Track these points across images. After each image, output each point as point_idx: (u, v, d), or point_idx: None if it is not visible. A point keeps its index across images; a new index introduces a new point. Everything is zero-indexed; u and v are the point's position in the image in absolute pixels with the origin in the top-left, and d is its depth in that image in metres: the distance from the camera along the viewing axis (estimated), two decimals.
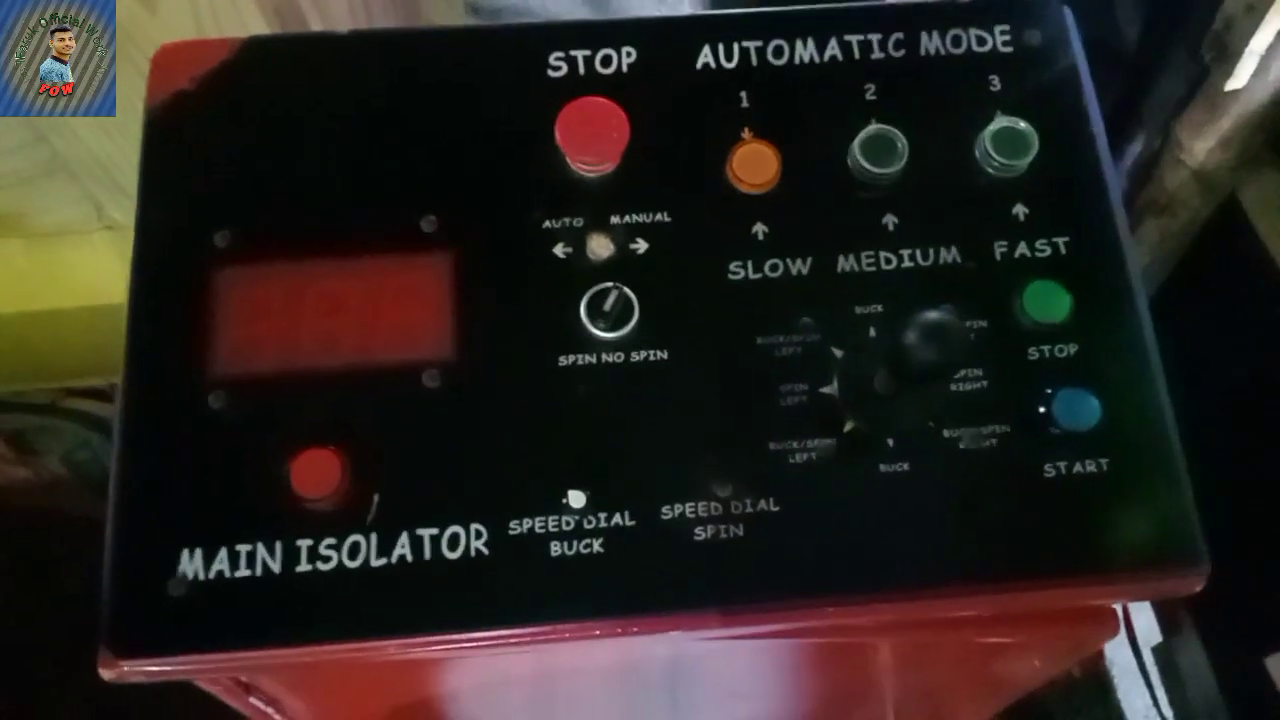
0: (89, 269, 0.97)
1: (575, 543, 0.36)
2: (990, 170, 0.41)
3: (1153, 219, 0.76)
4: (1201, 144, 0.68)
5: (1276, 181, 0.69)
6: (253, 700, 0.44)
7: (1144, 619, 0.97)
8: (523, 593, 0.36)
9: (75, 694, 1.00)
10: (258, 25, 0.73)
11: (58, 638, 0.96)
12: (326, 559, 0.35)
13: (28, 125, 0.82)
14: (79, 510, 1.14)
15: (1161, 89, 0.72)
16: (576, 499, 0.36)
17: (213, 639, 0.35)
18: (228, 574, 0.35)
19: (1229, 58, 0.62)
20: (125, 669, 0.35)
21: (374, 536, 0.36)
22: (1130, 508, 0.37)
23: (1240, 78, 0.62)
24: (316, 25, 0.78)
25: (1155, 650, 0.93)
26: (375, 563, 0.36)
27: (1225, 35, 0.62)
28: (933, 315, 0.32)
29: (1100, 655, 1.06)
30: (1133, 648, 0.87)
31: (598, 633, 0.36)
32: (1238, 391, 0.78)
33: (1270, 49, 0.60)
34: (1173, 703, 0.93)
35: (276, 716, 0.46)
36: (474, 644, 0.35)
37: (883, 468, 0.37)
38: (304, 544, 0.36)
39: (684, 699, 0.52)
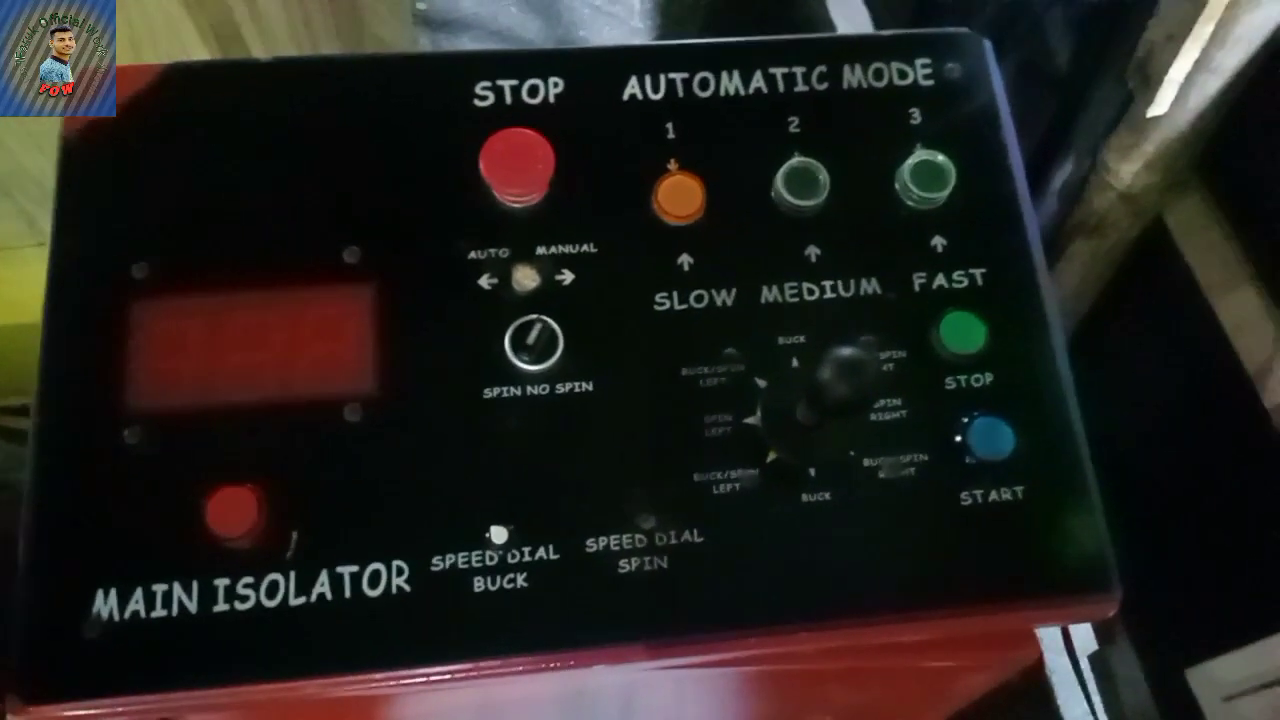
0: (19, 285, 0.94)
1: (499, 578, 0.36)
2: (910, 203, 0.42)
3: (1083, 239, 0.78)
4: (1128, 167, 0.70)
5: (1199, 204, 0.72)
6: None
7: (1081, 628, 0.99)
8: (446, 630, 0.35)
9: None
10: (196, 47, 0.72)
11: None
12: (244, 598, 0.35)
13: None
14: (11, 530, 1.11)
15: (1091, 114, 0.74)
16: (499, 535, 0.36)
17: (128, 682, 0.34)
18: (143, 614, 0.35)
19: (1151, 84, 0.64)
20: (36, 717, 0.34)
21: (293, 575, 0.35)
22: (1044, 536, 0.38)
23: (1162, 104, 0.64)
24: (256, 46, 0.77)
25: (1091, 659, 0.95)
26: (294, 601, 0.35)
27: (1147, 63, 0.64)
28: (846, 352, 0.33)
29: (1040, 664, 1.08)
30: (1070, 657, 0.89)
31: (522, 669, 0.35)
32: (1166, 408, 0.80)
33: (1188, 77, 0.62)
34: (1109, 709, 0.95)
35: None
36: (396, 683, 0.35)
37: (805, 497, 0.38)
38: (221, 583, 0.35)
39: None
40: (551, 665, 0.36)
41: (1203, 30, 0.59)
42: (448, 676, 0.35)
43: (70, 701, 0.34)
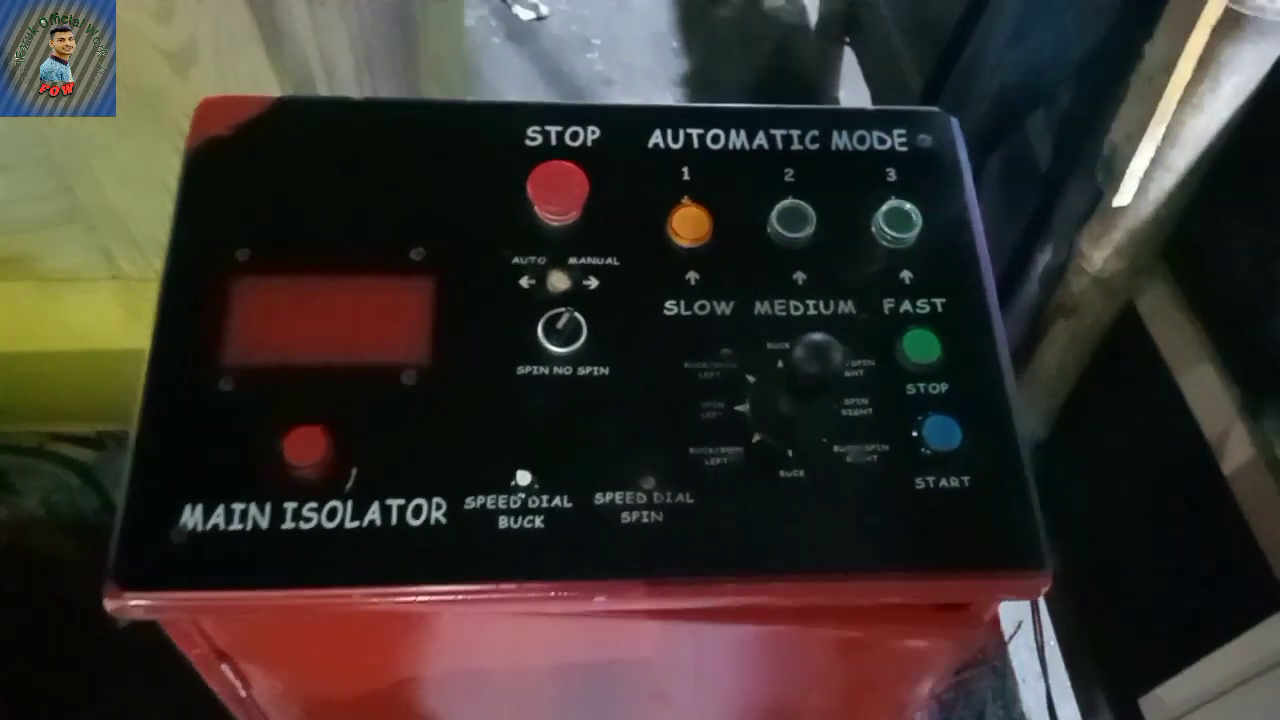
0: (91, 315, 1.03)
1: (520, 519, 0.43)
2: (884, 242, 0.50)
3: (1062, 320, 0.86)
4: (1099, 253, 0.78)
5: (1165, 290, 0.79)
6: (224, 670, 0.49)
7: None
8: (473, 558, 0.42)
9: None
10: (275, 92, 0.82)
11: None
12: (308, 520, 0.42)
13: (55, 175, 0.89)
14: (47, 550, 1.17)
15: (1068, 206, 0.82)
16: (523, 477, 0.43)
17: (203, 580, 0.41)
18: (222, 527, 0.41)
19: (1115, 179, 0.72)
20: (127, 601, 0.41)
21: (350, 503, 0.42)
22: (986, 519, 0.44)
23: (1126, 196, 0.73)
24: (325, 91, 0.86)
25: None
26: (349, 525, 0.42)
27: (1112, 160, 0.72)
28: (815, 337, 0.40)
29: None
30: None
31: (534, 595, 0.42)
32: (1139, 475, 0.86)
33: (1147, 173, 0.71)
34: None
35: (243, 692, 0.51)
36: (426, 598, 0.41)
37: (783, 474, 0.45)
38: (289, 506, 0.42)
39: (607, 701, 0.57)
40: (560, 594, 0.42)
41: (1156, 131, 0.68)
42: (470, 596, 0.42)
43: (154, 591, 0.41)
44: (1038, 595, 0.44)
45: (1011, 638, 1.18)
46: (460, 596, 0.42)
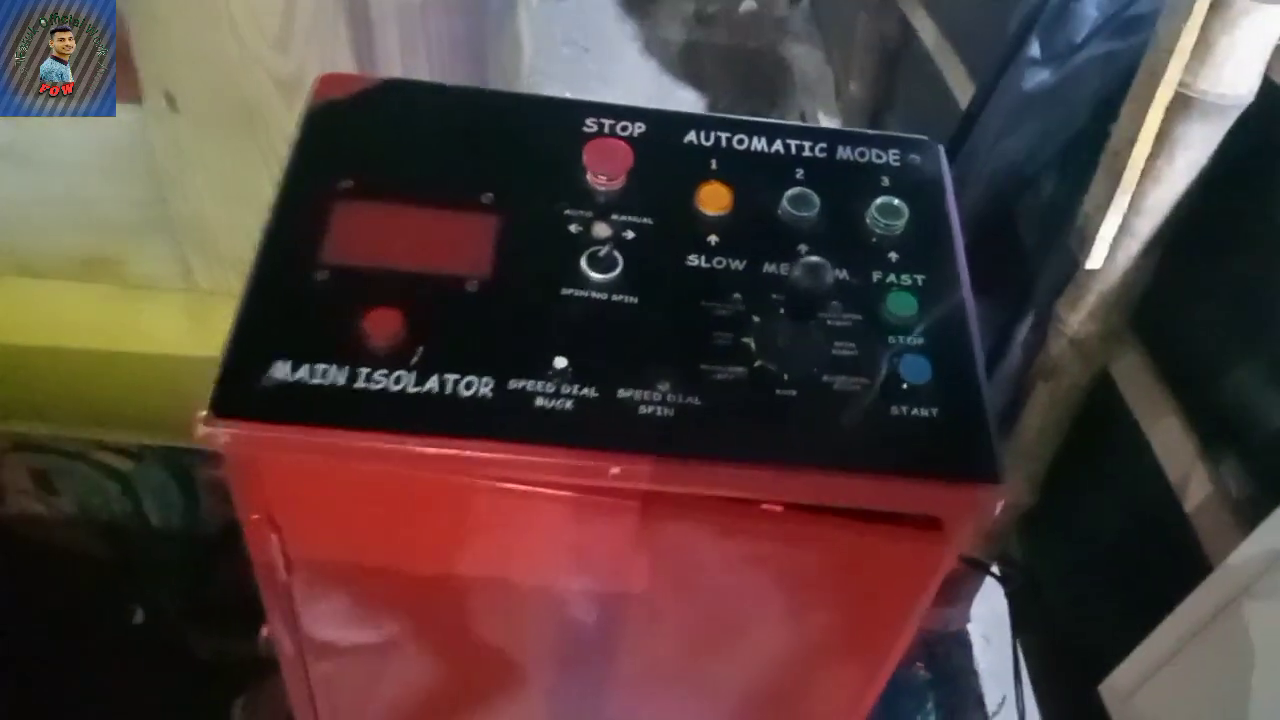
0: (160, 323, 1.12)
1: (553, 400, 0.50)
2: (876, 229, 0.59)
3: (1042, 383, 0.94)
4: (1074, 316, 0.86)
5: (1135, 354, 0.88)
6: (273, 543, 0.56)
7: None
8: (510, 425, 0.49)
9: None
10: None
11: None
12: (377, 383, 0.50)
13: (154, 183, 1.01)
14: (79, 548, 1.22)
15: (1048, 279, 0.92)
16: (559, 362, 0.51)
17: (284, 417, 0.49)
18: (305, 380, 0.49)
19: (1086, 245, 0.82)
20: (219, 429, 0.48)
21: (414, 374, 0.50)
22: (951, 440, 0.52)
23: (1097, 260, 0.82)
24: None
25: None
26: (410, 390, 0.50)
27: (1084, 227, 0.82)
28: (811, 258, 0.49)
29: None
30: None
31: (558, 460, 0.49)
32: (1114, 531, 0.91)
33: (1115, 239, 0.81)
34: None
35: (283, 574, 0.57)
36: (470, 452, 0.49)
37: (778, 392, 0.52)
38: (363, 370, 0.50)
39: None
40: (581, 462, 0.49)
41: (1121, 200, 0.78)
42: (503, 454, 0.49)
43: (241, 421, 0.48)
44: (994, 508, 0.51)
45: (996, 713, 1.19)
46: (495, 454, 0.49)
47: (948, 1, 1.45)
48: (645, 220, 0.58)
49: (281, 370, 0.50)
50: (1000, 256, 1.01)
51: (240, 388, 0.49)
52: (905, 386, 0.53)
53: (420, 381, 0.50)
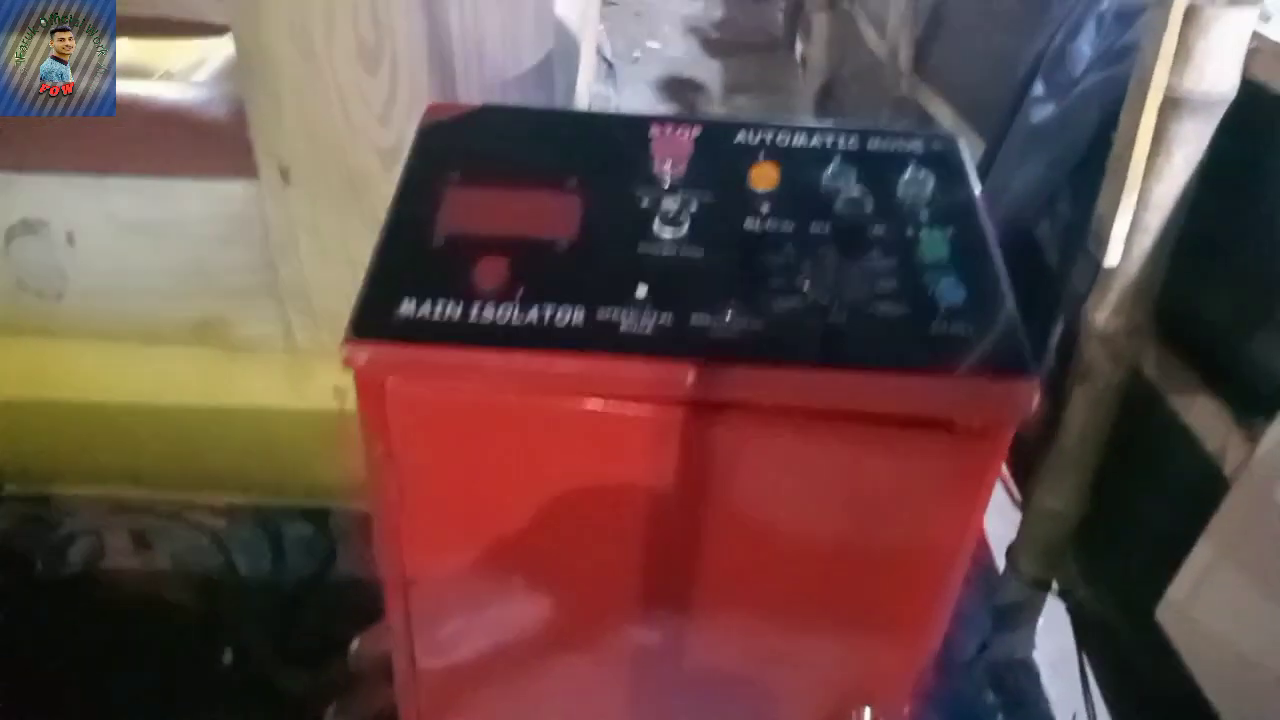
0: (260, 384, 1.23)
1: (636, 325, 0.59)
2: (907, 196, 0.68)
3: (1079, 388, 1.00)
4: (1100, 315, 0.93)
5: (1164, 351, 0.94)
6: (389, 470, 0.64)
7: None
8: (599, 341, 0.58)
9: None
10: None
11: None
12: (487, 315, 0.59)
13: (267, 250, 1.13)
14: (174, 599, 1.30)
15: (1073, 286, 0.99)
16: (640, 291, 0.60)
17: (411, 338, 0.58)
18: (427, 314, 0.59)
19: (1103, 244, 0.90)
20: (358, 350, 0.57)
21: (516, 307, 0.59)
22: (987, 348, 0.59)
23: (1114, 257, 0.90)
24: None
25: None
26: (514, 320, 0.59)
27: (1100, 228, 0.91)
28: (853, 192, 0.58)
29: None
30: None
31: (641, 370, 0.57)
32: (1177, 543, 0.95)
33: (1128, 236, 0.89)
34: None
35: (396, 494, 0.65)
36: (564, 365, 0.57)
37: (831, 319, 0.61)
38: (475, 305, 0.59)
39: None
40: (660, 372, 0.57)
41: (1130, 198, 0.87)
42: (594, 364, 0.57)
43: (379, 343, 0.58)
44: (1030, 399, 0.57)
45: None
46: (587, 366, 0.57)
47: (960, 87, 1.59)
48: (706, 195, 0.68)
49: (408, 307, 0.59)
50: (1025, 277, 1.09)
51: (374, 319, 0.59)
52: (942, 308, 0.61)
53: (522, 313, 0.59)
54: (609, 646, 0.72)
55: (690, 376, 0.58)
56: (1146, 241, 0.89)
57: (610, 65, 2.46)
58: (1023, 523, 1.18)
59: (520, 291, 0.60)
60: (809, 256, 0.64)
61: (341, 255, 1.14)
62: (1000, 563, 1.25)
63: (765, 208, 0.67)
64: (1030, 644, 1.30)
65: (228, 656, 1.23)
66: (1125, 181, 0.87)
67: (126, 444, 1.32)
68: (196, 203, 1.11)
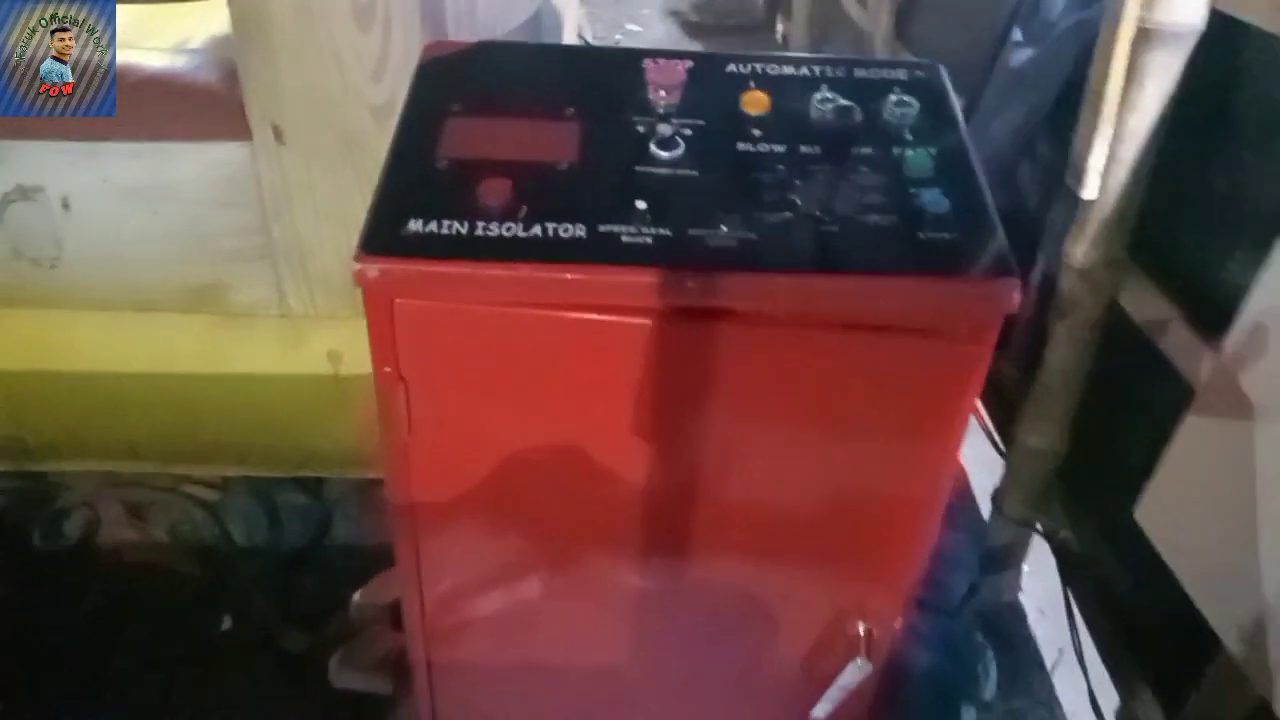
0: (255, 350, 1.24)
1: (636, 237, 0.61)
2: (893, 120, 0.71)
3: (1060, 324, 1.03)
4: (1078, 248, 0.96)
5: (1140, 281, 0.97)
6: (400, 397, 0.65)
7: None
8: (602, 253, 0.60)
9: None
10: None
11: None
12: (492, 231, 0.61)
13: (260, 213, 1.14)
14: (174, 568, 1.30)
15: (1053, 227, 1.02)
16: (640, 204, 0.62)
17: (419, 254, 0.60)
18: (435, 231, 0.61)
19: (1081, 177, 0.93)
20: (368, 264, 0.59)
21: (520, 224, 0.61)
22: (972, 252, 0.61)
23: (1092, 189, 0.93)
24: None
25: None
26: (519, 235, 0.61)
27: (1078, 161, 0.94)
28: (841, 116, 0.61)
29: None
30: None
31: (644, 277, 0.59)
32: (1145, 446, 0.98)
33: (1105, 168, 0.92)
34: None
35: (407, 430, 0.67)
36: (570, 274, 0.59)
37: (822, 228, 0.63)
38: (480, 223, 0.61)
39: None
40: (663, 279, 0.59)
41: (1106, 130, 0.90)
42: (599, 275, 0.59)
43: (386, 258, 0.59)
44: (1012, 298, 0.60)
45: (1054, 667, 1.21)
46: (591, 276, 0.59)
47: (941, 51, 1.62)
48: (699, 121, 0.70)
49: (415, 225, 0.61)
50: (1007, 217, 1.12)
51: (383, 237, 0.61)
52: (928, 217, 0.63)
53: (526, 229, 0.61)
54: (613, 561, 0.74)
55: (690, 283, 0.60)
56: (1122, 173, 0.92)
57: None
58: (1007, 464, 1.21)
59: (523, 210, 0.62)
60: (800, 174, 0.66)
61: (335, 215, 1.15)
62: (986, 510, 1.28)
63: (757, 131, 0.70)
64: (1017, 586, 1.33)
65: (227, 622, 1.24)
66: (1100, 114, 0.90)
67: (123, 414, 1.33)
68: (191, 166, 1.12)
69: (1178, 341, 0.90)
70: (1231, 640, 0.66)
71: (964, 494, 1.29)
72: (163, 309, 1.24)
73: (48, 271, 1.19)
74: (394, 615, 1.11)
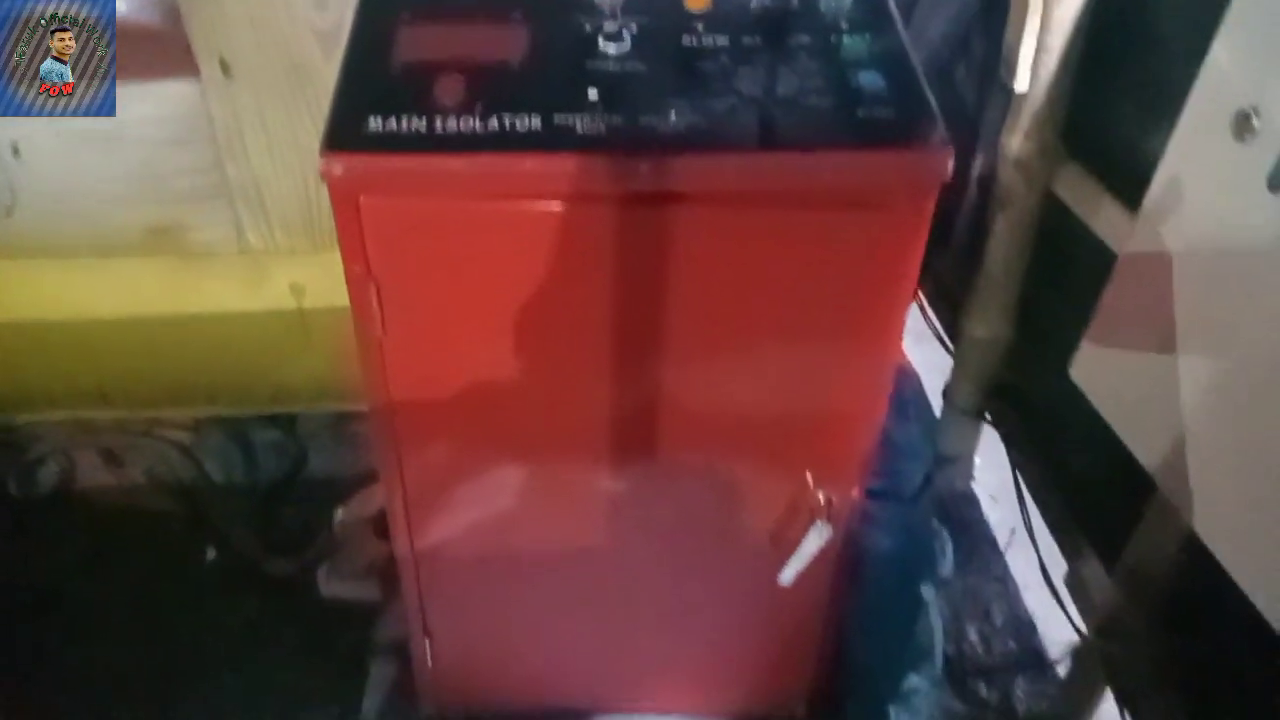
0: (217, 288, 1.25)
1: (589, 126, 0.64)
2: (829, 10, 0.74)
3: (1000, 215, 1.07)
4: (1014, 139, 1.01)
5: (1073, 170, 1.02)
6: (371, 296, 0.68)
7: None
8: (557, 142, 0.63)
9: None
10: None
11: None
12: (450, 126, 0.64)
13: (215, 149, 1.15)
14: (154, 507, 1.33)
15: (990, 123, 1.07)
16: (593, 94, 0.65)
17: (381, 148, 0.62)
18: (394, 129, 0.63)
19: (1013, 70, 0.97)
20: (334, 163, 0.62)
21: (477, 118, 0.64)
22: (907, 126, 0.65)
23: (1023, 81, 0.97)
24: None
25: None
26: (477, 129, 0.64)
27: (1009, 54, 0.98)
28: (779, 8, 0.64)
29: None
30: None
31: (599, 164, 0.62)
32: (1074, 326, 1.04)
33: (1035, 59, 0.96)
34: None
35: (381, 330, 0.70)
36: (530, 164, 0.62)
37: (766, 111, 0.66)
38: (438, 118, 0.64)
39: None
40: (618, 163, 0.62)
41: (1034, 22, 0.94)
42: (554, 163, 0.62)
43: (349, 153, 0.62)
44: (946, 168, 0.64)
45: (1007, 546, 1.29)
46: (548, 163, 0.62)
47: None
48: (644, 20, 0.73)
49: (375, 123, 0.64)
50: (945, 117, 1.16)
51: (346, 137, 0.63)
52: (865, 95, 0.67)
53: (484, 123, 0.64)
54: (585, 448, 0.78)
55: (644, 167, 0.63)
56: (1051, 62, 0.96)
57: None
58: (956, 358, 1.27)
59: (479, 105, 0.65)
60: (742, 63, 0.69)
61: (289, 148, 1.16)
62: (938, 407, 1.34)
63: (700, 26, 0.72)
64: (970, 476, 1.40)
65: (211, 553, 1.26)
66: (1028, 6, 0.93)
67: (91, 361, 1.33)
68: (141, 106, 1.12)
69: (1109, 220, 0.95)
70: (1158, 472, 0.72)
71: (917, 393, 1.35)
72: (123, 253, 1.25)
73: (3, 220, 1.19)
74: (377, 526, 1.16)
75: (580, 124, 0.64)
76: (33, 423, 1.38)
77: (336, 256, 1.21)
